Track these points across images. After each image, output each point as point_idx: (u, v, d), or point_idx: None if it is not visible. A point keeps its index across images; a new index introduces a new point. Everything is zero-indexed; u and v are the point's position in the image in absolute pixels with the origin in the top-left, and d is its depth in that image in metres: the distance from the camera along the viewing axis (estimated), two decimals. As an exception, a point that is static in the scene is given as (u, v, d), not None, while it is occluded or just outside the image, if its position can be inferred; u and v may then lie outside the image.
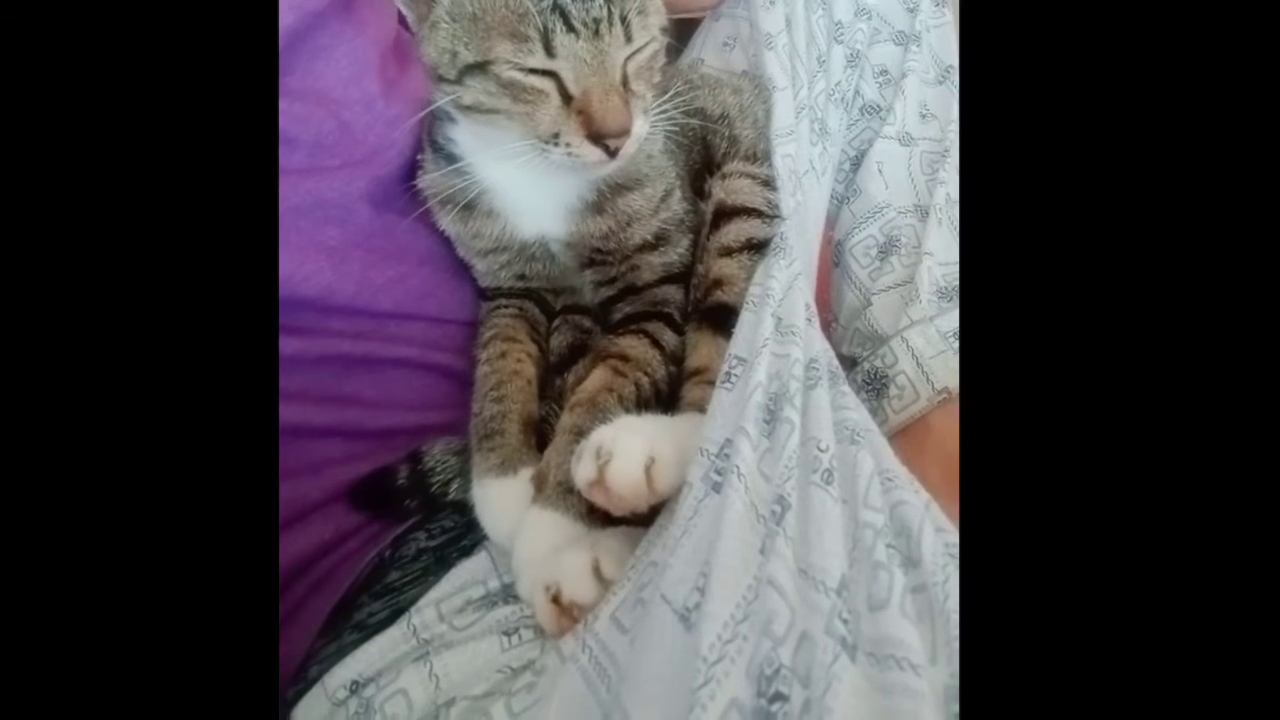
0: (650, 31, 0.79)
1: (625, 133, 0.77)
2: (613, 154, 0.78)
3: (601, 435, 0.72)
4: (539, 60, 0.74)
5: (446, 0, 0.78)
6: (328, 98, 0.90)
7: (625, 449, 0.70)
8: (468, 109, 0.80)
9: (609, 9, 0.74)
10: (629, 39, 0.77)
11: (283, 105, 0.84)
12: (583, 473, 0.71)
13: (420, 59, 0.83)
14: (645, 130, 0.81)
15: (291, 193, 0.86)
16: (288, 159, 0.86)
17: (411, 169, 0.96)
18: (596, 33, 0.74)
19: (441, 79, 0.80)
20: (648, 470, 0.70)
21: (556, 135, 0.77)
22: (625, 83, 0.78)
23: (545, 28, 0.73)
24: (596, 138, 0.76)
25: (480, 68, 0.76)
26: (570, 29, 0.73)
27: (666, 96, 0.85)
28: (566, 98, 0.76)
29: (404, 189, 0.96)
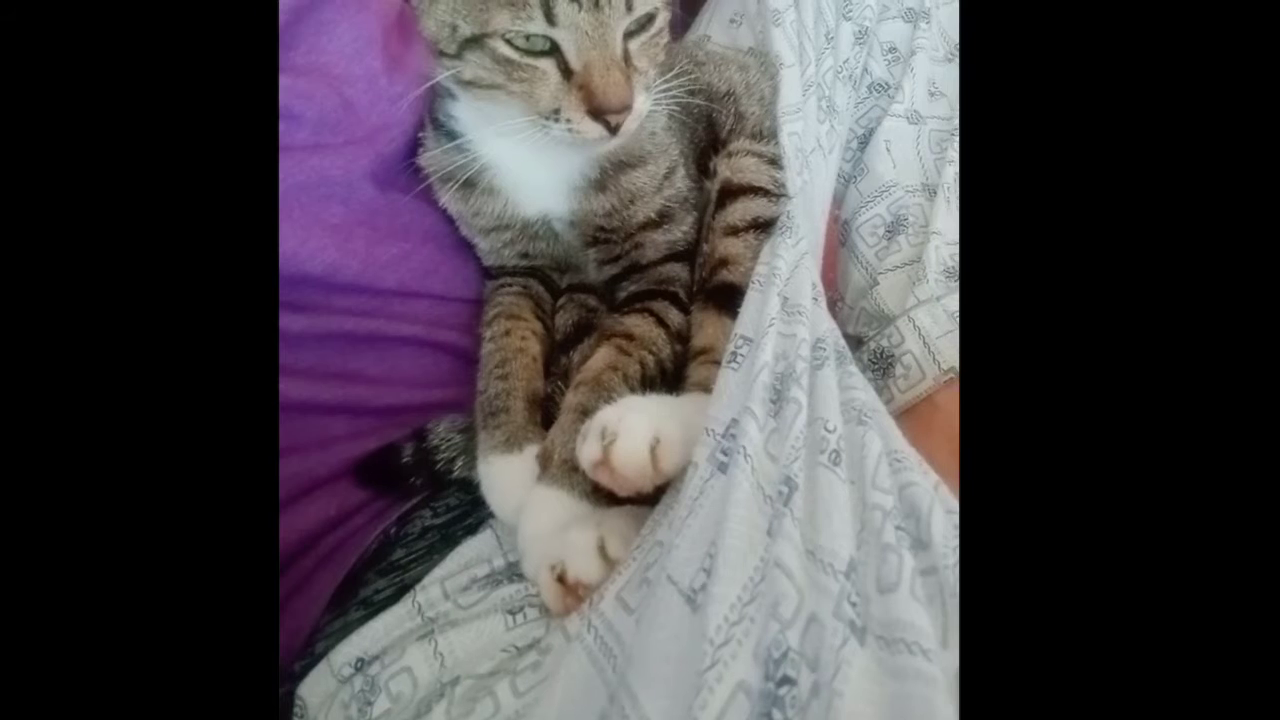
0: (653, 2, 0.78)
1: (626, 108, 0.77)
2: (614, 130, 0.77)
3: (606, 416, 0.72)
4: (539, 26, 0.73)
5: None
6: (331, 74, 0.90)
7: (630, 429, 0.70)
8: (468, 84, 0.80)
9: None
10: (629, 8, 0.75)
11: (287, 81, 0.84)
12: (588, 453, 0.71)
13: (421, 33, 0.82)
14: (647, 107, 0.81)
15: (295, 170, 0.85)
16: (292, 135, 0.85)
17: (414, 146, 0.96)
18: (597, 4, 0.73)
19: (442, 53, 0.80)
20: (653, 450, 0.69)
21: (557, 111, 0.77)
22: (627, 59, 0.77)
23: None
24: (597, 113, 0.76)
25: (479, 41, 0.76)
26: None
27: (671, 74, 0.85)
28: (567, 73, 0.76)
29: (406, 166, 0.95)
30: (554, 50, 0.75)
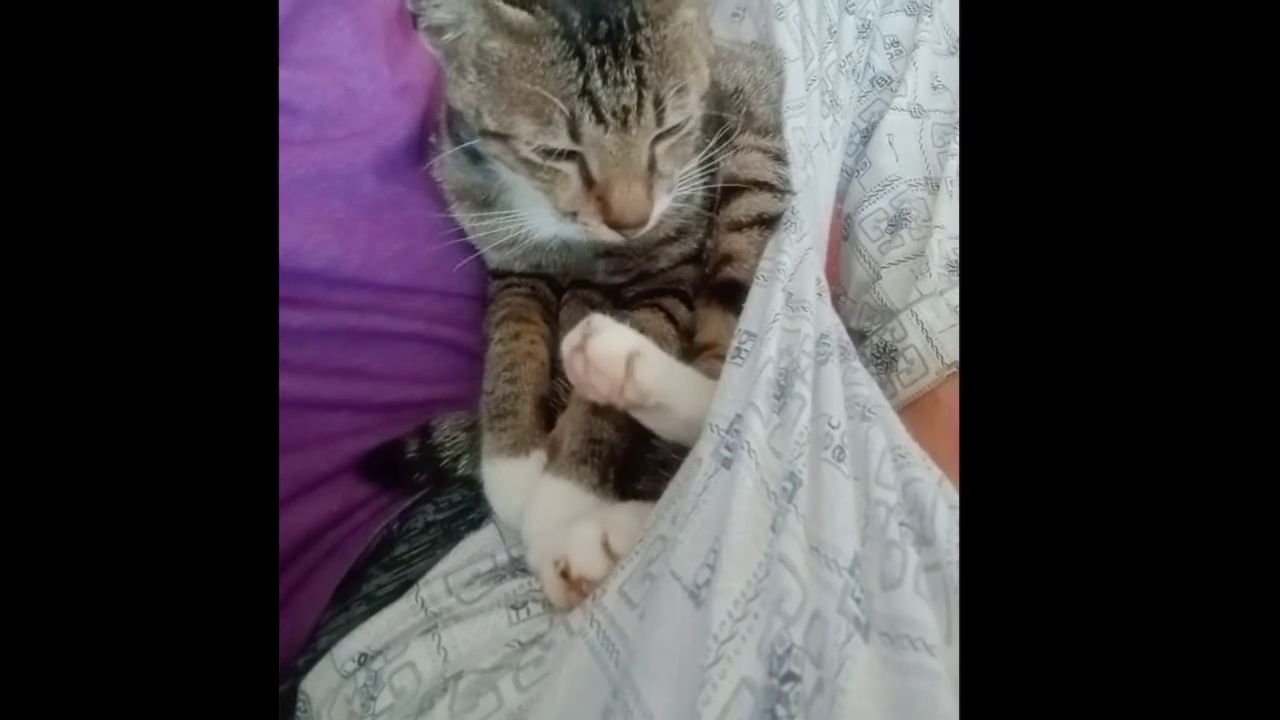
0: (687, 110, 0.76)
1: (643, 224, 0.77)
2: (626, 237, 0.78)
3: (596, 317, 0.74)
4: (563, 142, 0.72)
5: (472, 50, 0.75)
6: (333, 65, 0.89)
7: (615, 332, 0.72)
8: (493, 156, 0.80)
9: (641, 94, 0.71)
10: (660, 123, 0.74)
11: (287, 74, 0.83)
12: (570, 338, 0.72)
13: (446, 96, 0.82)
14: (665, 207, 0.80)
15: (296, 164, 0.85)
16: (292, 129, 0.85)
17: (418, 144, 0.96)
18: (625, 123, 0.72)
19: (466, 124, 0.79)
20: (630, 360, 0.71)
21: (574, 213, 0.77)
22: (653, 164, 0.76)
23: (572, 114, 0.71)
24: (614, 226, 0.76)
25: (500, 138, 0.75)
26: (599, 119, 0.71)
27: (695, 162, 0.84)
28: (588, 181, 0.75)
29: (411, 164, 0.95)
30: (578, 154, 0.74)
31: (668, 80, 0.73)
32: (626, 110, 0.71)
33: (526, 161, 0.75)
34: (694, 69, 0.76)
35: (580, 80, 0.70)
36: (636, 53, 0.71)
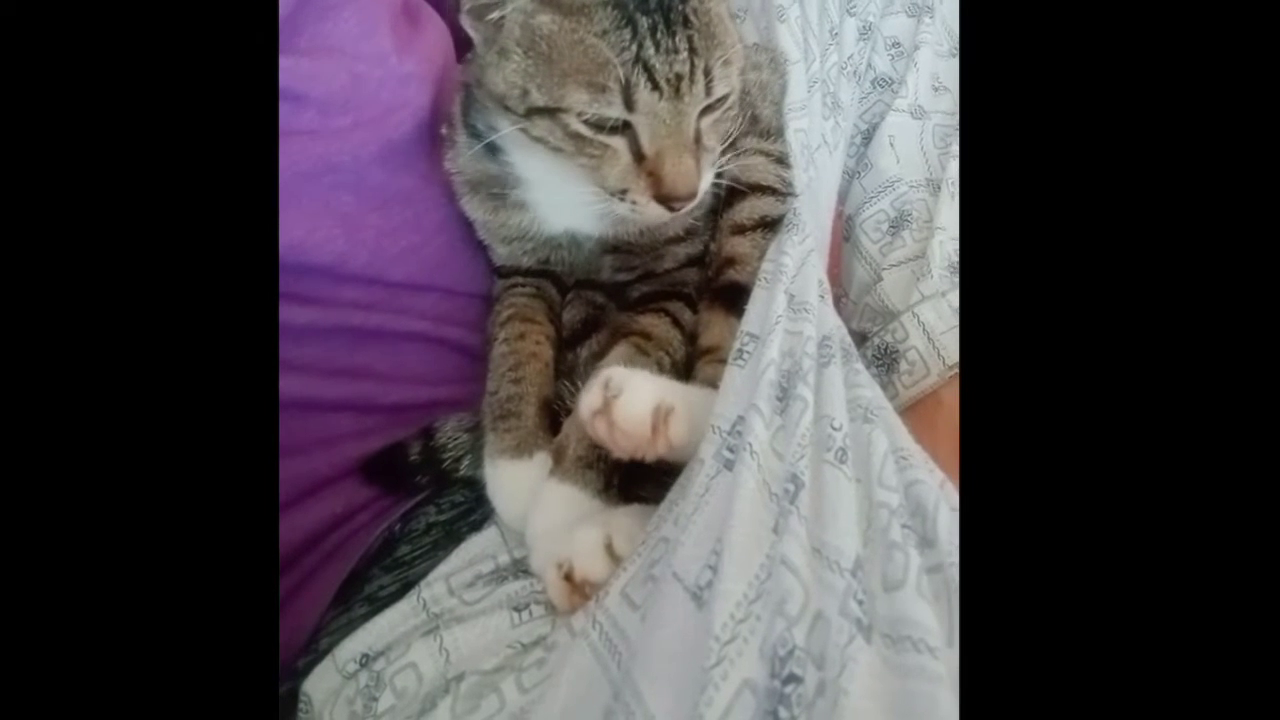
0: (730, 82, 0.78)
1: (693, 196, 0.77)
2: (675, 210, 0.78)
3: (614, 370, 0.72)
4: (617, 111, 0.73)
5: (516, 30, 0.76)
6: (338, 52, 0.89)
7: (636, 388, 0.71)
8: (536, 139, 0.79)
9: (693, 62, 0.73)
10: (709, 93, 0.75)
11: (291, 62, 0.82)
12: (588, 401, 0.71)
13: (483, 82, 0.81)
14: (710, 183, 0.81)
15: (301, 156, 0.84)
16: (297, 119, 0.84)
17: (426, 135, 0.95)
18: (678, 91, 0.73)
19: (507, 109, 0.79)
20: (663, 418, 0.70)
21: (624, 191, 0.77)
22: (698, 138, 0.77)
23: (627, 80, 0.71)
24: (664, 200, 0.76)
25: (550, 112, 0.75)
26: (654, 85, 0.72)
27: (728, 142, 0.84)
28: (638, 155, 0.75)
29: (419, 156, 0.94)
30: (628, 127, 0.75)
31: (714, 50, 0.75)
32: (679, 77, 0.73)
33: (575, 136, 0.75)
34: (733, 43, 0.77)
35: (634, 48, 0.71)
36: (686, 22, 0.73)
